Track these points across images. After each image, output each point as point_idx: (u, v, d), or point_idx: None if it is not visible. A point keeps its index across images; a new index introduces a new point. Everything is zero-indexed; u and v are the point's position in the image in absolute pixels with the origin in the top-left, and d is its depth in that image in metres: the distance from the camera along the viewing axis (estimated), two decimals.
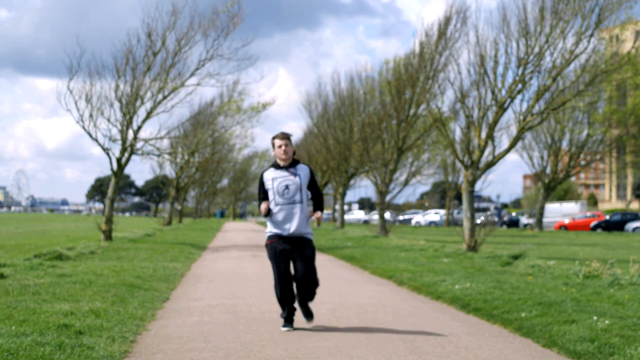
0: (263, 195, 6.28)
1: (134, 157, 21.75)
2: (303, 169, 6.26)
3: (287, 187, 6.15)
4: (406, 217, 62.60)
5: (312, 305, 7.17)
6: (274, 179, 6.19)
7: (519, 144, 36.50)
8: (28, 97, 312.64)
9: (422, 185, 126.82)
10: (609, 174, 57.36)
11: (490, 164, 17.99)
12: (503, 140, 54.11)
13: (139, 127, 21.13)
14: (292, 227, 6.14)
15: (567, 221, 46.18)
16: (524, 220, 51.46)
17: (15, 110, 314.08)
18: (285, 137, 6.17)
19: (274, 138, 6.19)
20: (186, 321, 6.74)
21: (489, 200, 73.84)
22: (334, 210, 45.03)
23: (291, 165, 6.24)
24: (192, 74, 21.78)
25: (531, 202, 58.09)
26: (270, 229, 6.28)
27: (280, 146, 6.14)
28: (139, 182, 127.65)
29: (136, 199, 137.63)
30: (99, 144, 20.08)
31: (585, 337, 5.73)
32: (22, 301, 7.06)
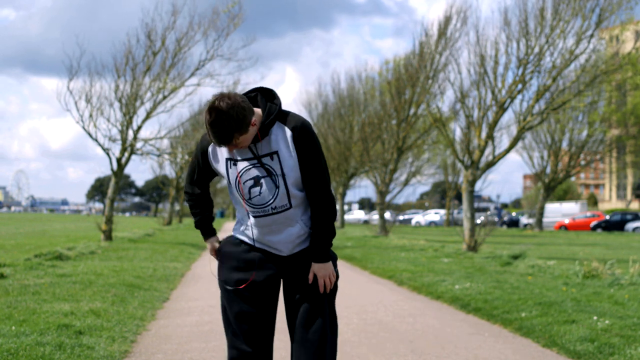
0: (199, 177, 3.15)
1: (134, 157, 21.77)
2: (284, 137, 2.92)
3: (256, 181, 2.95)
4: (406, 217, 62.64)
5: None
6: (229, 160, 2.99)
7: (519, 144, 36.52)
8: (35, 96, 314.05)
9: (422, 185, 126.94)
10: (609, 174, 57.39)
11: (490, 164, 18.01)
12: (503, 140, 54.32)
13: (139, 127, 21.14)
14: (282, 245, 3.04)
15: (567, 221, 46.19)
16: (524, 220, 51.48)
17: (23, 110, 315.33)
18: (226, 139, 2.81)
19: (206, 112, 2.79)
20: (186, 321, 6.74)
21: (489, 200, 73.87)
22: None
23: (258, 137, 2.91)
24: (192, 74, 21.80)
25: (531, 202, 58.09)
26: (241, 233, 3.13)
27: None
28: (139, 182, 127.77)
29: (136, 199, 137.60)
30: (99, 144, 20.09)
31: (585, 337, 5.73)
32: (22, 301, 7.06)
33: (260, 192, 2.94)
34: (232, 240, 3.15)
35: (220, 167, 3.03)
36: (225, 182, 3.15)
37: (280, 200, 2.94)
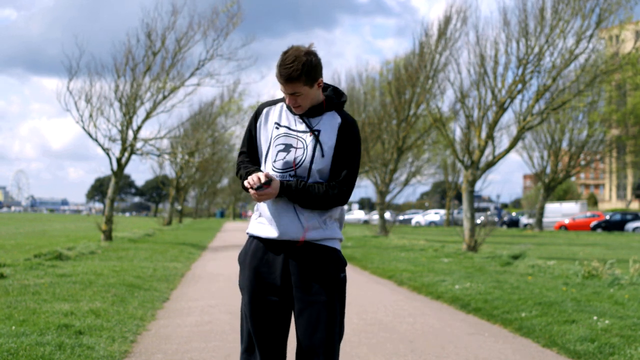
0: (248, 150, 3.19)
1: (134, 157, 21.77)
2: (332, 123, 3.05)
3: (287, 147, 3.05)
4: (406, 217, 62.61)
5: None
6: (277, 124, 3.10)
7: (519, 144, 36.52)
8: (36, 96, 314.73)
9: (422, 185, 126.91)
10: (609, 174, 57.41)
11: (490, 164, 18.01)
12: (503, 140, 54.24)
13: (139, 127, 21.15)
14: (289, 226, 3.01)
15: (567, 221, 46.17)
16: (524, 220, 51.46)
17: (24, 110, 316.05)
18: (295, 76, 2.90)
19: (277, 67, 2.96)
20: (186, 321, 6.74)
21: (489, 200, 73.81)
22: None
23: (314, 112, 3.06)
24: (192, 74, 21.81)
25: (531, 202, 58.11)
26: (254, 226, 3.14)
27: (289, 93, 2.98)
28: (139, 182, 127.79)
29: (136, 199, 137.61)
30: (99, 144, 20.09)
31: (585, 337, 5.73)
32: (22, 301, 7.06)
33: (284, 158, 3.04)
34: (246, 248, 3.17)
35: (267, 129, 3.13)
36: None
37: (301, 172, 3.02)
